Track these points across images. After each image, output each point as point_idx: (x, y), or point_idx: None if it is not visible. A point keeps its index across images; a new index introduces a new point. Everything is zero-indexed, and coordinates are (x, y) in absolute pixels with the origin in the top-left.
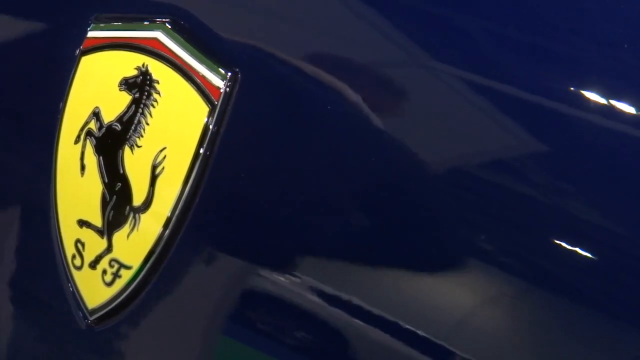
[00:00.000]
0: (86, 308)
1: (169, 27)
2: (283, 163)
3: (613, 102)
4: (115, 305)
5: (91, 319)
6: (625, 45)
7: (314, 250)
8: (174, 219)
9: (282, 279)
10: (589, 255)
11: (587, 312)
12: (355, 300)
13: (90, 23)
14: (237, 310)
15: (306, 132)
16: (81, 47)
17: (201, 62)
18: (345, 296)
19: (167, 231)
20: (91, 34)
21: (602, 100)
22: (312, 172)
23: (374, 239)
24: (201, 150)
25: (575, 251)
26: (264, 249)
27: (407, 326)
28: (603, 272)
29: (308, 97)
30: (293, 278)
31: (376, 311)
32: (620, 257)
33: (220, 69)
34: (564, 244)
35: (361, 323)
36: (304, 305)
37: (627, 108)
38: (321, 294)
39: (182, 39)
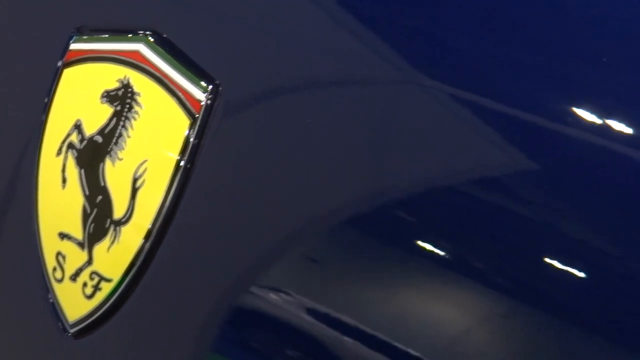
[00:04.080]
0: (67, 321)
1: (151, 39)
2: (264, 176)
3: (602, 119)
4: (96, 318)
5: (71, 331)
6: (606, 60)
7: (296, 262)
8: (154, 231)
9: (265, 292)
10: (581, 274)
11: (578, 332)
12: (339, 313)
13: (73, 35)
14: (219, 323)
15: (287, 145)
16: (63, 59)
17: (182, 74)
18: (331, 310)
19: (148, 244)
20: (73, 46)
21: (591, 117)
22: (294, 185)
23: (360, 252)
24: (182, 163)
25: (567, 270)
26: (246, 262)
27: (398, 344)
28: (594, 290)
29: (289, 110)
30: (275, 291)
31: (365, 327)
32: (612, 276)
33: (201, 82)
34: (555, 263)
35: (340, 334)
36: (288, 319)
37: (617, 125)
38: (304, 307)
39: (164, 52)
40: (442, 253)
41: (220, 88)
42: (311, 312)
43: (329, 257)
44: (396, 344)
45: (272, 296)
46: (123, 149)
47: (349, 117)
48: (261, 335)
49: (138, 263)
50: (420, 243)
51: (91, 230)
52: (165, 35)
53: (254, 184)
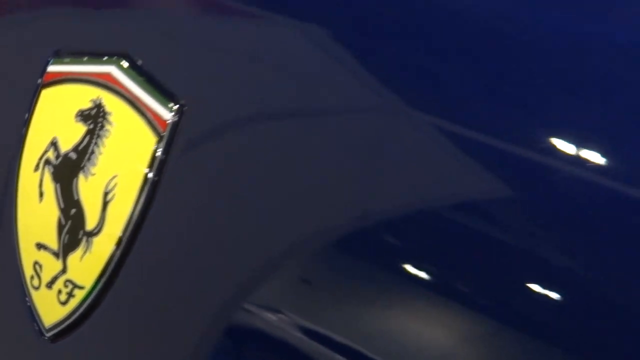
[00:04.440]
0: (43, 325)
1: (122, 63)
2: (225, 188)
3: (581, 149)
4: (70, 323)
5: (48, 335)
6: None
7: (260, 269)
8: (124, 241)
9: (228, 296)
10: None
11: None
12: (299, 315)
13: (51, 58)
14: (186, 326)
15: (246, 160)
16: (41, 80)
17: (150, 95)
18: (291, 312)
19: (118, 253)
20: (51, 68)
21: (570, 148)
22: (252, 196)
23: (323, 265)
24: (150, 176)
25: (548, 294)
26: (209, 268)
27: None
28: (574, 313)
29: (248, 128)
30: (239, 298)
31: (345, 343)
32: (592, 301)
33: (167, 103)
34: (537, 287)
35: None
36: (253, 322)
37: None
38: (268, 310)
39: (134, 74)
40: (421, 275)
41: (185, 108)
42: (276, 313)
43: (290, 264)
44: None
45: (236, 298)
46: (95, 164)
47: (301, 132)
48: (228, 338)
49: (108, 271)
50: (397, 264)
51: (65, 240)
52: (135, 59)
53: (216, 196)
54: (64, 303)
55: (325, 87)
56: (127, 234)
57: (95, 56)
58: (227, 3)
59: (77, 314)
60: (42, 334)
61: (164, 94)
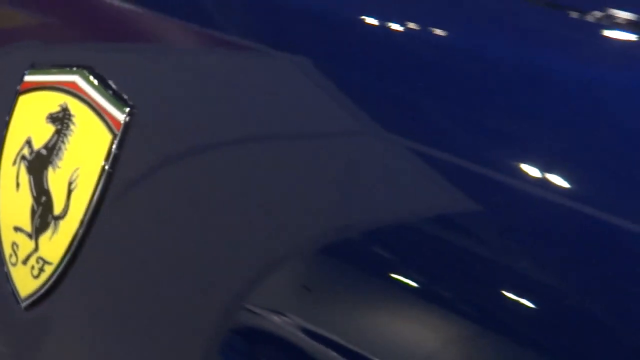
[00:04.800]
0: (20, 296)
1: (85, 72)
2: (170, 177)
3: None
4: (41, 294)
5: (23, 305)
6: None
7: (198, 241)
8: (85, 223)
9: (172, 270)
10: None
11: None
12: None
13: (27, 69)
14: (138, 294)
15: (189, 154)
16: (19, 88)
17: (107, 100)
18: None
19: (80, 233)
20: (27, 77)
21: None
22: (194, 184)
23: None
24: (106, 168)
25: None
26: (156, 245)
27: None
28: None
29: (190, 126)
30: (176, 266)
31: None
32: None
33: (121, 106)
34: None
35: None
36: (197, 306)
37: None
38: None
39: (94, 82)
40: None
41: (135, 110)
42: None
43: (229, 251)
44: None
45: (173, 266)
46: (62, 159)
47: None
48: (167, 304)
49: (72, 249)
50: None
51: (37, 224)
52: (96, 70)
53: (162, 184)
54: (36, 277)
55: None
56: (88, 216)
57: (63, 68)
58: (178, 27)
59: (47, 286)
60: (18, 303)
61: (119, 99)
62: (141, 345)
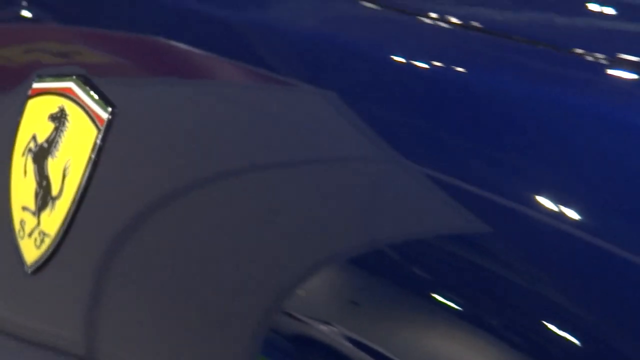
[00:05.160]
0: (26, 263)
1: (79, 79)
2: (145, 165)
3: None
4: (42, 262)
5: (29, 270)
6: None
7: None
8: (75, 202)
9: (146, 235)
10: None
11: None
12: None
13: (35, 77)
14: (126, 261)
15: (163, 145)
16: (28, 93)
17: (94, 102)
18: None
19: (72, 210)
20: (34, 85)
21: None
22: (164, 172)
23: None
24: (92, 157)
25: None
26: (132, 220)
27: None
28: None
29: (163, 121)
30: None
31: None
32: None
33: (105, 107)
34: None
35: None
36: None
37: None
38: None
39: (85, 87)
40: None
41: (117, 110)
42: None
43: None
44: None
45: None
46: (58, 150)
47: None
48: (144, 262)
49: (66, 223)
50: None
51: (39, 204)
52: (87, 77)
53: (138, 170)
54: (38, 247)
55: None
56: (78, 197)
57: (62, 76)
58: (164, 46)
59: (47, 254)
60: (25, 270)
61: (104, 101)
62: (128, 301)
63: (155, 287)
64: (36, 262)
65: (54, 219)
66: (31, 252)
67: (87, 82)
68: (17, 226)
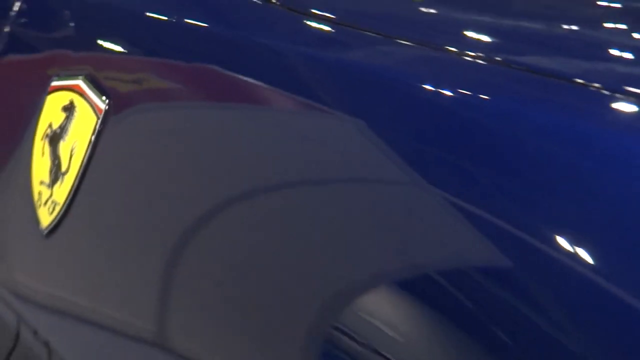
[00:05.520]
0: (42, 227)
1: (85, 78)
2: (133, 146)
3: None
4: (54, 225)
5: (44, 233)
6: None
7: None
8: (79, 176)
9: (140, 201)
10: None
11: None
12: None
13: (54, 77)
14: (116, 223)
15: (147, 129)
16: (48, 90)
17: (95, 95)
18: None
19: (76, 182)
20: (53, 83)
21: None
22: (149, 154)
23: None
24: (92, 139)
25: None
26: (126, 190)
27: None
28: None
29: (150, 113)
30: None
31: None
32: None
33: (103, 98)
34: None
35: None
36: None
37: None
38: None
39: (90, 84)
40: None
41: (112, 101)
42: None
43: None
44: None
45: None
46: (68, 135)
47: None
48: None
49: (72, 193)
50: None
51: (52, 178)
52: (92, 75)
53: (128, 150)
54: (50, 214)
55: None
56: (81, 171)
57: (73, 75)
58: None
59: (57, 219)
60: (41, 233)
61: (102, 93)
62: (129, 259)
63: (150, 242)
64: (49, 226)
65: (62, 191)
66: (45, 217)
67: (91, 80)
68: (35, 197)
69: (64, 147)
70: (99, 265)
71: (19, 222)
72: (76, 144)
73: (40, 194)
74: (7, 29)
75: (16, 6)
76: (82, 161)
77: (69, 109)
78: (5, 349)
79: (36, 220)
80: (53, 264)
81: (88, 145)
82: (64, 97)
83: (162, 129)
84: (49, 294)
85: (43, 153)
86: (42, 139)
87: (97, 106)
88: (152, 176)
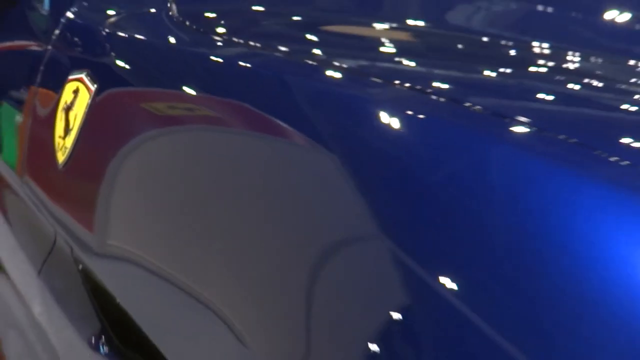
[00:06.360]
0: (59, 163)
1: (87, 73)
2: (112, 118)
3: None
4: (65, 162)
5: (60, 167)
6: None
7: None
8: (78, 131)
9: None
10: None
11: None
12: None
13: (71, 72)
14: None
15: (129, 104)
16: (66, 80)
17: (90, 83)
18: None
19: (77, 136)
20: (69, 77)
21: None
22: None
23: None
24: (86, 110)
25: None
26: (106, 144)
27: None
28: None
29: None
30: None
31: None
32: None
33: (94, 83)
34: None
35: None
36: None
37: None
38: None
39: (88, 77)
40: None
41: (97, 86)
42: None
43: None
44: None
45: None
46: (74, 107)
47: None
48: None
49: (74, 142)
50: None
51: (64, 134)
52: (90, 73)
53: (106, 113)
54: (63, 154)
55: None
56: (79, 128)
57: (80, 72)
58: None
59: (66, 158)
60: (59, 166)
61: (93, 82)
62: (107, 188)
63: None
64: (62, 162)
65: (69, 140)
66: (60, 157)
67: (89, 74)
68: (56, 146)
69: (71, 115)
70: (92, 188)
71: (47, 160)
72: (78, 112)
73: (58, 143)
74: (49, 47)
75: (56, 32)
76: (80, 122)
77: (76, 92)
78: (46, 251)
79: (56, 159)
80: (66, 187)
81: (84, 113)
82: (74, 85)
83: (123, 101)
84: (63, 207)
85: (61, 119)
86: (61, 111)
87: (90, 89)
88: (124, 128)
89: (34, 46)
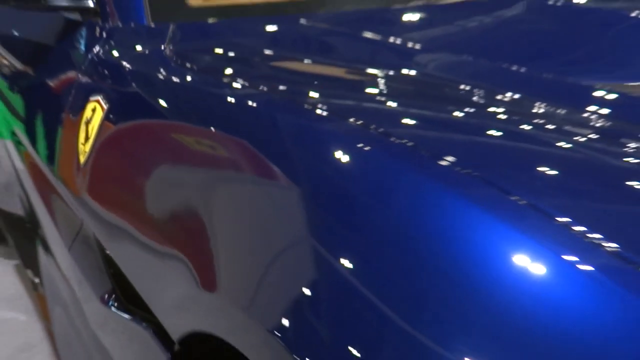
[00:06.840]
0: (81, 163)
1: (102, 97)
2: (115, 125)
3: None
4: (84, 161)
5: (82, 165)
6: None
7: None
8: (94, 138)
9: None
10: None
11: None
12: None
13: (90, 97)
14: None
15: (133, 110)
16: (88, 101)
17: (104, 102)
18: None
19: (93, 141)
20: (90, 98)
21: None
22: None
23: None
24: (100, 122)
25: None
26: (120, 142)
27: None
28: None
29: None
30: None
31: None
32: None
33: (106, 103)
34: None
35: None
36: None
37: None
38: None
39: (104, 99)
40: None
41: (109, 105)
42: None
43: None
44: None
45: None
46: (92, 120)
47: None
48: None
49: (91, 147)
50: None
51: (84, 140)
52: (103, 98)
53: (114, 125)
54: (83, 156)
55: None
56: (95, 136)
57: (97, 93)
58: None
59: (86, 158)
60: (80, 165)
61: (106, 101)
62: (118, 181)
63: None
64: (83, 162)
65: (88, 145)
66: (81, 158)
67: (103, 97)
68: (79, 150)
69: (90, 127)
70: (108, 182)
71: (73, 160)
72: (94, 125)
73: (80, 147)
74: (79, 75)
75: (85, 62)
76: (96, 132)
77: (94, 110)
78: (74, 232)
79: (79, 160)
80: (85, 182)
81: (99, 124)
82: (93, 105)
83: (126, 118)
84: (85, 195)
85: (83, 130)
86: (83, 124)
87: (103, 108)
88: (126, 135)
89: (71, 74)
